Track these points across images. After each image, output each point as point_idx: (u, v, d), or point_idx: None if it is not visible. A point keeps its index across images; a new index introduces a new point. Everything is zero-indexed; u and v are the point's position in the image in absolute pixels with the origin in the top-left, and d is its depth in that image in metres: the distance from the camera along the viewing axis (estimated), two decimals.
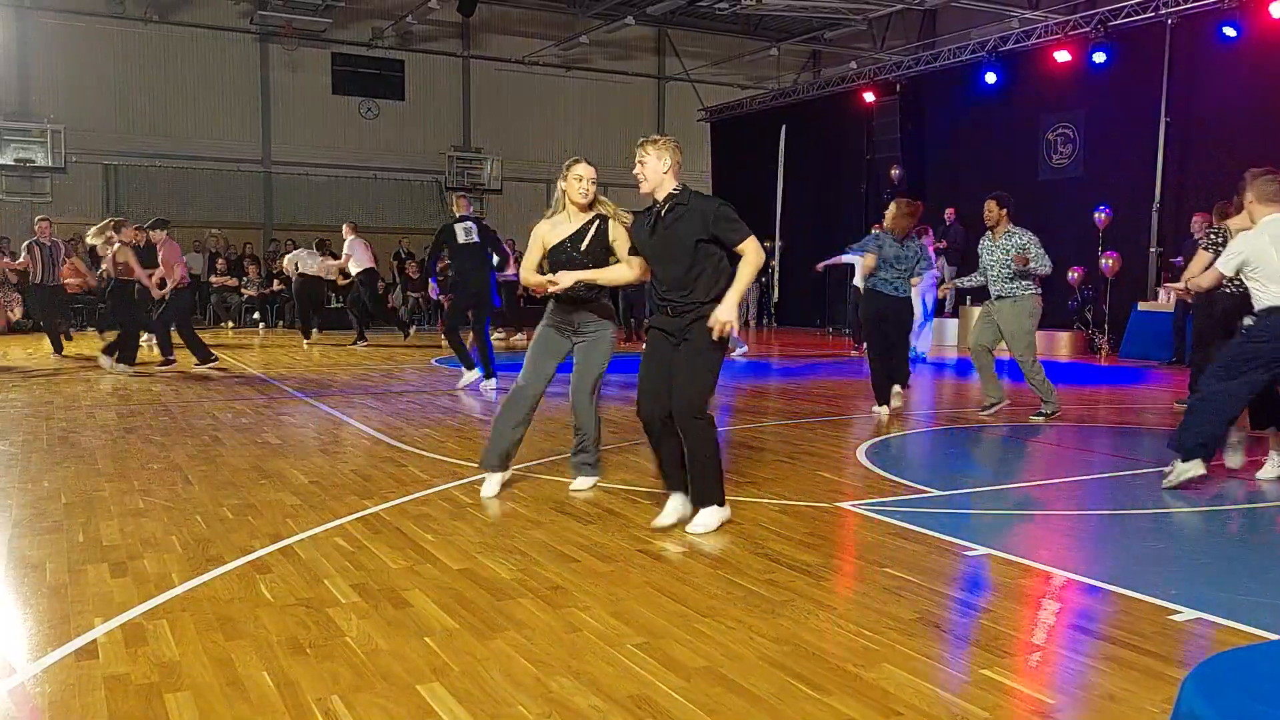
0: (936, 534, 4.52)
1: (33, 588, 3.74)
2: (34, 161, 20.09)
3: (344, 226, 15.00)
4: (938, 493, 5.39)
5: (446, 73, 24.09)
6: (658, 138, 4.53)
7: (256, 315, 19.53)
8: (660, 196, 4.50)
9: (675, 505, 4.64)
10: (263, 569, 3.97)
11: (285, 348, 14.75)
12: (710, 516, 4.52)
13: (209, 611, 3.48)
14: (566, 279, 4.89)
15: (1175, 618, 3.49)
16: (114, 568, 3.98)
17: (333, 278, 15.65)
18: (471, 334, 9.80)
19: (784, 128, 19.34)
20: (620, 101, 25.75)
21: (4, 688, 2.87)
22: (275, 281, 19.70)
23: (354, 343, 14.94)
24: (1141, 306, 13.81)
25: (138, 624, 3.37)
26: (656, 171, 4.46)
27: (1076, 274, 14.34)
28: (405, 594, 3.68)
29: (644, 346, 4.70)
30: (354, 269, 14.86)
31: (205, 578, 3.85)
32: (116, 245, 11.22)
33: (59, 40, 20.35)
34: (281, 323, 19.56)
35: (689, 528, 4.50)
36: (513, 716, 2.71)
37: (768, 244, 20.41)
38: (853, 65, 21.10)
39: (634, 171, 4.51)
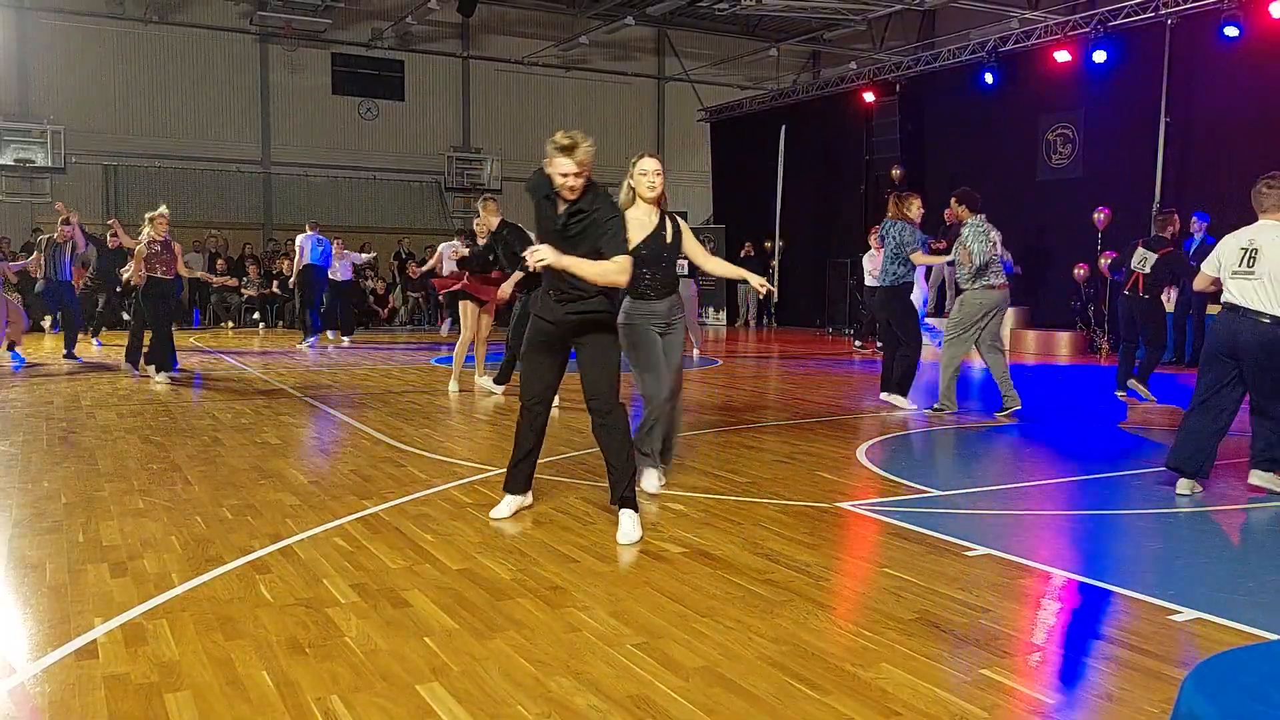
0: (936, 534, 4.52)
1: (33, 588, 3.74)
2: (34, 162, 20.08)
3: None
4: (938, 493, 5.39)
5: (446, 73, 24.09)
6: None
7: (256, 315, 19.54)
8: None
9: (511, 502, 4.83)
10: (262, 569, 3.97)
11: (285, 348, 14.74)
12: (635, 524, 4.43)
13: (209, 611, 3.49)
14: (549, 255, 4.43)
15: (1175, 618, 3.49)
16: (114, 568, 3.98)
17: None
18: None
19: (784, 128, 19.34)
20: (620, 102, 25.75)
21: (4, 688, 2.88)
22: (274, 281, 19.72)
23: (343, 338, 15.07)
24: None
25: (138, 624, 3.37)
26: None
27: (1082, 271, 14.32)
28: (404, 594, 3.68)
29: (527, 338, 4.65)
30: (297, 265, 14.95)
31: (205, 578, 3.86)
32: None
33: (59, 40, 20.34)
34: (281, 323, 19.56)
35: (620, 538, 4.38)
36: (512, 716, 2.71)
37: (768, 244, 20.49)
38: (852, 65, 21.10)
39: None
